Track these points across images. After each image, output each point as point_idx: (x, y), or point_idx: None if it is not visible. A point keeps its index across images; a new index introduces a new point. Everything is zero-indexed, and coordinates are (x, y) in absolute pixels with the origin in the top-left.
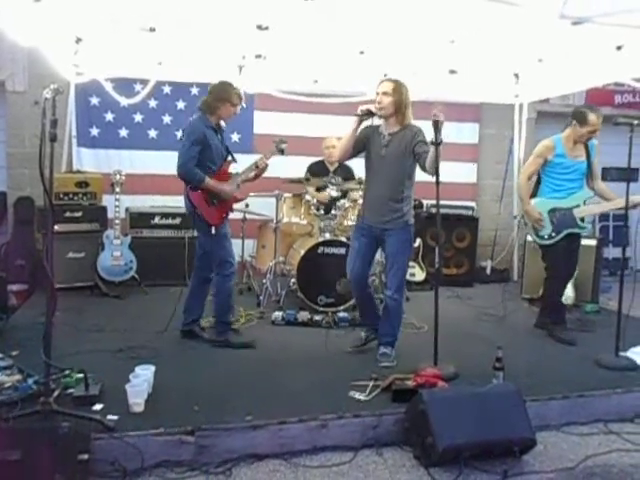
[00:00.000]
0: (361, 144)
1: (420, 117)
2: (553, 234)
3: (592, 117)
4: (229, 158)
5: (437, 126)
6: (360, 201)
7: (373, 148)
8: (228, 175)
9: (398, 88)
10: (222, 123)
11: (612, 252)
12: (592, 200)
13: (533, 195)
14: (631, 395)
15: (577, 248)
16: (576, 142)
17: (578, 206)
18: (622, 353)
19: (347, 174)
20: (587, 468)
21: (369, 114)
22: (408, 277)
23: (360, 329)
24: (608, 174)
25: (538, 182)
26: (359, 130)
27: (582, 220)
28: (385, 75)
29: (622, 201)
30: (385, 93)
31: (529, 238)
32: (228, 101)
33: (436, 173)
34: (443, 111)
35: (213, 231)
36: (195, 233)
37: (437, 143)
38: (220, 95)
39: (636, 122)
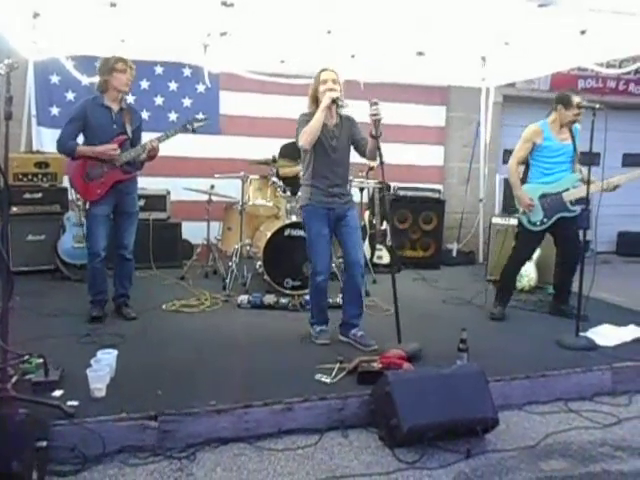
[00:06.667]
0: None
1: (389, 99)
2: (545, 219)
3: (577, 100)
4: (120, 137)
5: (377, 123)
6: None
7: (324, 138)
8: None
9: (339, 78)
10: (125, 104)
11: None
12: (577, 184)
13: (522, 182)
14: (590, 374)
15: (574, 234)
16: (562, 126)
17: (567, 190)
18: (582, 333)
19: None
20: (547, 446)
21: (337, 101)
22: (376, 260)
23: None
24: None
25: (526, 168)
26: (305, 117)
27: (572, 203)
28: (353, 56)
29: (599, 184)
30: (334, 81)
31: (494, 221)
32: (113, 70)
33: (376, 158)
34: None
35: (87, 206)
36: (160, 215)
37: (377, 136)
38: (103, 69)
39: (598, 106)
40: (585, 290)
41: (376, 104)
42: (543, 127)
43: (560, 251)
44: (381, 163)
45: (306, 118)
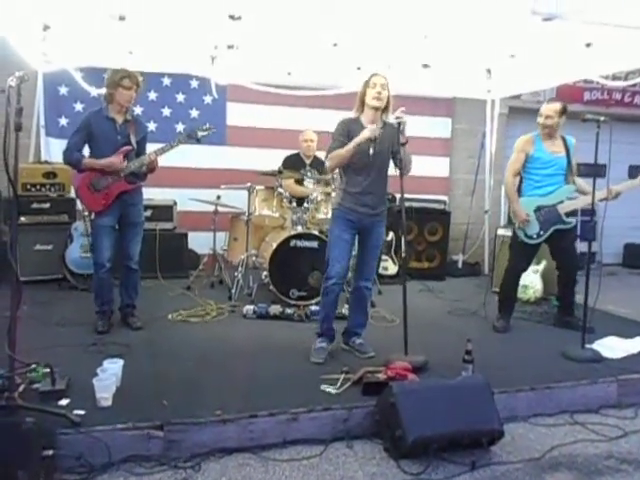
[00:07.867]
0: (346, 139)
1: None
2: (541, 232)
3: (542, 106)
4: (125, 147)
5: (399, 128)
6: (333, 194)
7: (363, 143)
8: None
9: (388, 84)
10: (130, 115)
11: (580, 246)
12: (574, 195)
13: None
14: (596, 386)
15: (570, 245)
16: (545, 136)
17: (562, 202)
18: (588, 345)
19: (323, 167)
20: (553, 458)
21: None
22: (381, 271)
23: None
24: (577, 170)
25: (520, 182)
26: (342, 125)
27: (567, 215)
28: (359, 68)
29: (599, 194)
30: (383, 86)
31: (500, 232)
32: (118, 85)
33: (401, 171)
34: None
35: (92, 216)
36: (167, 225)
37: (402, 144)
38: (109, 81)
39: (602, 119)
40: (591, 302)
41: (401, 109)
42: (534, 137)
43: (557, 263)
44: (401, 177)
45: (344, 127)
